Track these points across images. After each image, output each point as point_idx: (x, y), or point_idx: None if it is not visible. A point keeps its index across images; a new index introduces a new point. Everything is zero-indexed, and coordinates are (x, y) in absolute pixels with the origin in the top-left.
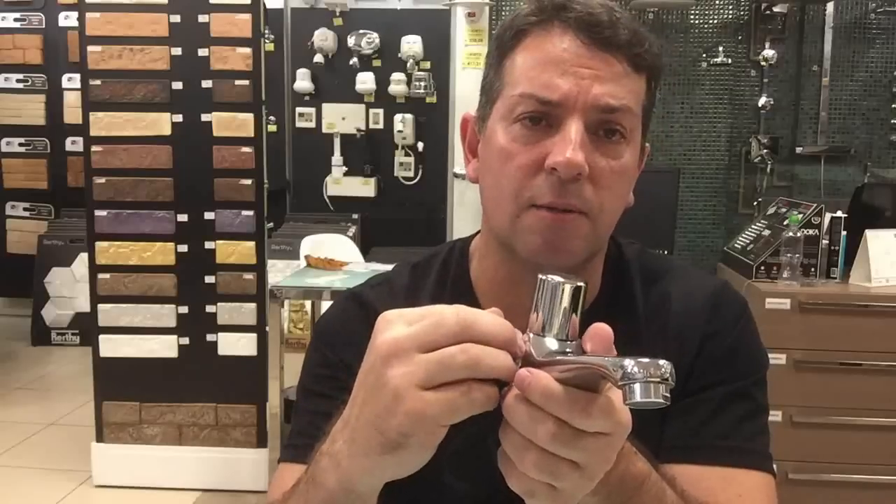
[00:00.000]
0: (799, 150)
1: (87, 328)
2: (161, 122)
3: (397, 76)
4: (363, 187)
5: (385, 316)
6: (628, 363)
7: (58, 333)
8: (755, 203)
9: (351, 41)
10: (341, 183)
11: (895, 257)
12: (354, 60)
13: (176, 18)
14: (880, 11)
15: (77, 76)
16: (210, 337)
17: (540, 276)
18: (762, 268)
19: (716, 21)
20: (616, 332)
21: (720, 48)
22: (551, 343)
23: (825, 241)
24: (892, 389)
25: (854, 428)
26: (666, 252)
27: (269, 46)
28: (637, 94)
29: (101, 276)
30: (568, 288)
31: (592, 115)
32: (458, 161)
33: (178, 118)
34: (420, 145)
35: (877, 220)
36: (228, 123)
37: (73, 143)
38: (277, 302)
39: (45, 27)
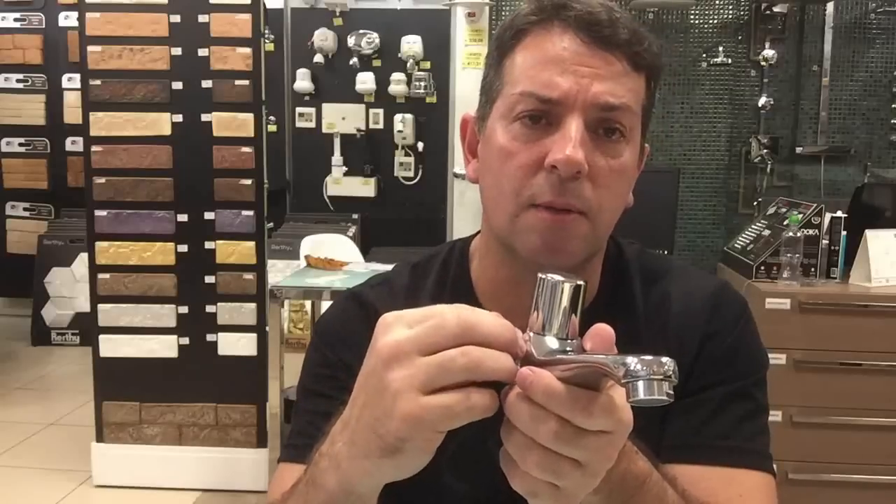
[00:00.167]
0: (799, 150)
1: (87, 328)
2: (161, 122)
3: (397, 76)
4: (363, 187)
5: (385, 318)
6: (631, 360)
7: (58, 333)
8: (755, 203)
9: (351, 41)
10: (341, 183)
11: (895, 257)
12: (354, 60)
13: (176, 18)
14: (880, 11)
15: (77, 76)
16: (210, 337)
17: (540, 274)
18: (762, 268)
19: (716, 21)
20: (616, 332)
21: (720, 48)
22: (552, 342)
23: (825, 241)
24: (892, 389)
25: (854, 428)
26: (666, 252)
27: (269, 46)
28: (637, 92)
29: (101, 276)
30: (568, 287)
31: (592, 114)
32: (458, 161)
33: (178, 118)
34: (420, 145)
35: (877, 220)
36: (228, 123)
37: (73, 143)
38: (277, 302)
39: (45, 27)
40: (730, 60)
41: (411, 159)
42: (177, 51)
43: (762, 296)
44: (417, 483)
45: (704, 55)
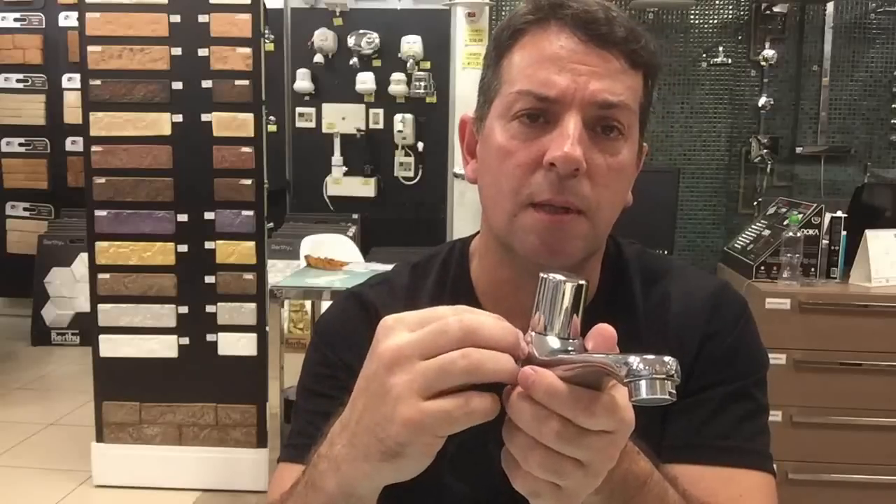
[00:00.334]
0: (799, 150)
1: (87, 328)
2: (161, 122)
3: (397, 76)
4: (363, 187)
5: (386, 321)
6: (633, 360)
7: (58, 333)
8: (755, 203)
9: (351, 41)
10: (341, 183)
11: (895, 257)
12: (354, 60)
13: (176, 18)
14: (880, 11)
15: (77, 76)
16: (210, 337)
17: (542, 274)
18: (762, 268)
19: (716, 21)
20: (616, 332)
21: (720, 48)
22: (553, 342)
23: (825, 241)
24: (892, 389)
25: (854, 428)
26: (666, 252)
27: (269, 46)
28: (634, 90)
29: (101, 276)
30: (570, 287)
31: (590, 112)
32: (458, 161)
33: (178, 118)
34: (420, 145)
35: (877, 220)
36: (228, 123)
37: (73, 143)
38: (277, 302)
39: (45, 27)
40: (730, 60)
41: (411, 159)
42: (177, 51)
43: (762, 296)
44: (417, 484)
45: (704, 55)
